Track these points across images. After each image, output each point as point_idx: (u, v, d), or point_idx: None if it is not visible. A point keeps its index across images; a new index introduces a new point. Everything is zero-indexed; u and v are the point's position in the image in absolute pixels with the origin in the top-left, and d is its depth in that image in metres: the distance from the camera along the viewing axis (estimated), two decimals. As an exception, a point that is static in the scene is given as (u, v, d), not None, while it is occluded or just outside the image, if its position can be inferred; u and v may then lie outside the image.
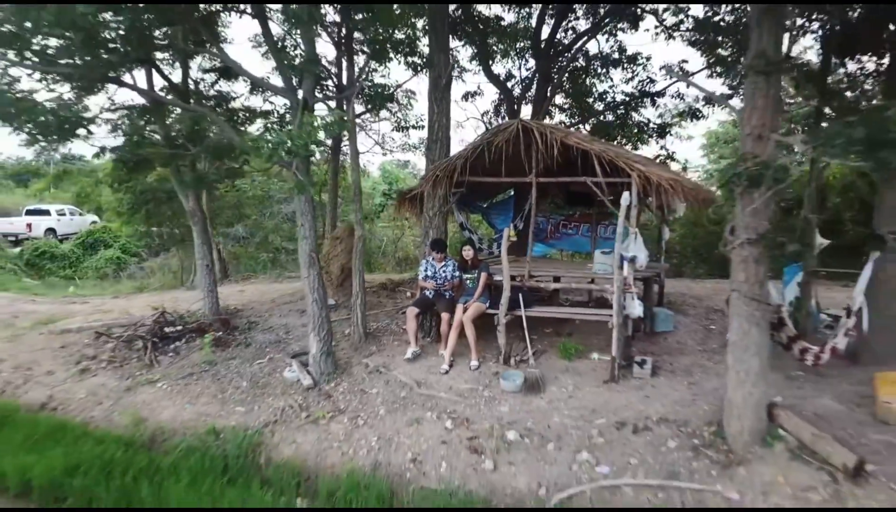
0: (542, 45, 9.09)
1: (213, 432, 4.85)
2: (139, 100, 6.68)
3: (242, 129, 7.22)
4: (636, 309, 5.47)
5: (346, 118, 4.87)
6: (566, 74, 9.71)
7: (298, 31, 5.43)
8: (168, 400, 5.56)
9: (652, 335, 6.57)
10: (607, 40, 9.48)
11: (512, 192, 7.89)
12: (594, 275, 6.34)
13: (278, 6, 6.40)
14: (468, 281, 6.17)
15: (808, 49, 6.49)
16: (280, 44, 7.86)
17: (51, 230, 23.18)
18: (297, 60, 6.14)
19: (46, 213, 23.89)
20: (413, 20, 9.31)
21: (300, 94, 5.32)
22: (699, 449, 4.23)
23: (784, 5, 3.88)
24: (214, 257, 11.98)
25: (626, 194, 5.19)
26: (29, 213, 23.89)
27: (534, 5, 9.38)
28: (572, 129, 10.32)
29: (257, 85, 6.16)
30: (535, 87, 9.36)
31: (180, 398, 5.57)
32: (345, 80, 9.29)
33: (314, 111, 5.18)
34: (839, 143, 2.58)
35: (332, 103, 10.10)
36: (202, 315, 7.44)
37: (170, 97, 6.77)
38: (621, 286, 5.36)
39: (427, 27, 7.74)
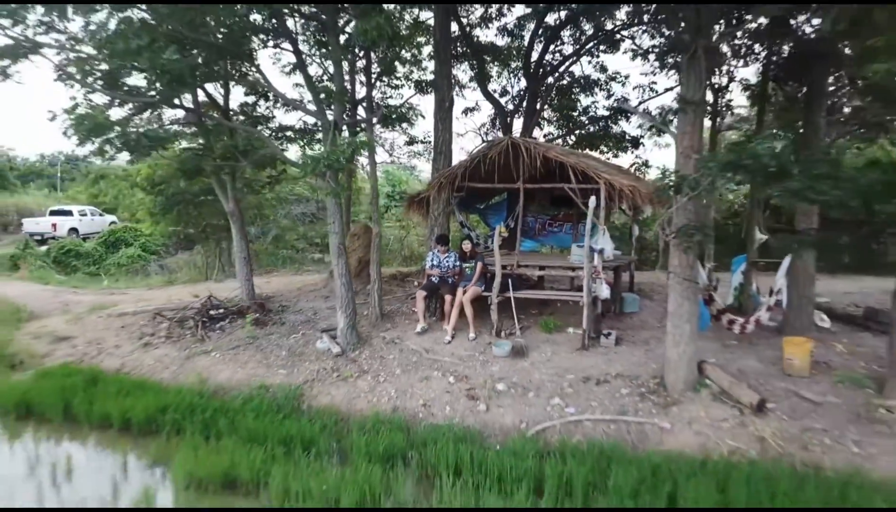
0: (532, 67, 10.32)
1: (263, 387, 6.04)
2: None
3: (280, 143, 8.46)
4: (604, 291, 6.67)
5: (369, 140, 6.10)
6: (553, 91, 10.95)
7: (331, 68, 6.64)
8: (222, 365, 6.76)
9: (620, 315, 7.79)
10: (590, 61, 10.73)
11: (505, 196, 9.10)
12: (572, 265, 7.55)
13: (317, 50, 7.57)
14: (467, 269, 7.37)
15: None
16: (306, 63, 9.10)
17: (73, 230, 24.31)
18: (324, 88, 7.34)
19: (69, 213, 25.04)
20: (419, 40, 10.60)
21: (330, 115, 6.54)
22: (645, 395, 5.44)
23: (706, 58, 5.08)
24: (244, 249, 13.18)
25: (592, 198, 6.39)
26: (53, 213, 25.08)
27: (526, 31, 10.61)
28: (559, 140, 11.61)
29: (295, 107, 7.32)
30: (525, 103, 10.60)
31: (232, 364, 6.77)
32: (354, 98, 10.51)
33: (342, 131, 6.40)
34: (712, 165, 3.76)
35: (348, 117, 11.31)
36: (240, 300, 8.64)
37: (232, 119, 7.99)
38: (590, 273, 6.57)
39: (432, 54, 8.97)
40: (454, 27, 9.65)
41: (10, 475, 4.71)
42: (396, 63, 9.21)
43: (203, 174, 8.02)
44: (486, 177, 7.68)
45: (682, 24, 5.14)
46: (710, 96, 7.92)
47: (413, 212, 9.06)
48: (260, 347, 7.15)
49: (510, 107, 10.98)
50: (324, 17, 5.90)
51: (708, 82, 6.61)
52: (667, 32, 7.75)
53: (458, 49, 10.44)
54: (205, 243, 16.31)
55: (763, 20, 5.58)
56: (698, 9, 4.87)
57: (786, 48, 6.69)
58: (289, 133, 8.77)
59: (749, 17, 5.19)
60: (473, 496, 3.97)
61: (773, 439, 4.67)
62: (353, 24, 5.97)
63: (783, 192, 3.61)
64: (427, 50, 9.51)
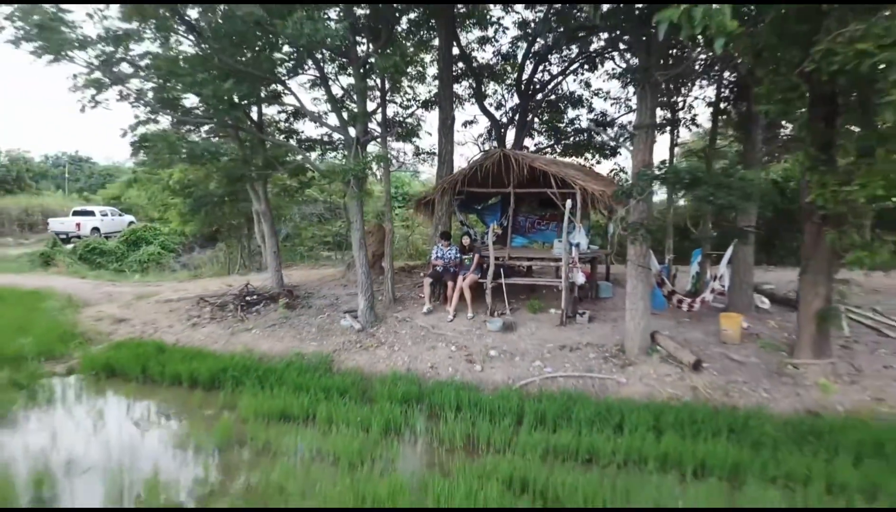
0: (524, 85, 11.62)
1: (299, 355, 7.31)
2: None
3: (309, 154, 9.76)
4: (579, 278, 7.96)
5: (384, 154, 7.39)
6: (543, 106, 12.25)
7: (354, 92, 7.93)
8: (262, 339, 8.04)
9: (596, 299, 9.09)
10: (575, 79, 12.04)
11: (499, 199, 10.37)
12: (553, 257, 8.83)
13: (344, 80, 8.86)
14: (466, 260, 8.65)
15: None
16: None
17: (95, 229, 25.50)
18: (345, 106, 8.63)
19: (91, 213, 26.25)
20: (424, 57, 11.87)
21: (352, 132, 7.83)
22: (608, 358, 6.72)
23: (657, 88, 6.37)
24: (261, 249, 14.44)
25: (569, 201, 7.68)
26: (76, 213, 26.31)
27: (518, 50, 11.90)
28: (548, 149, 12.92)
29: (322, 125, 8.59)
30: (518, 116, 11.89)
31: (270, 339, 8.05)
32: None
33: (364, 146, 7.69)
34: (646, 178, 5.04)
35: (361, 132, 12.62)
36: (271, 288, 9.93)
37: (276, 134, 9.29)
38: (568, 263, 7.86)
39: (436, 75, 10.27)
40: (455, 49, 10.97)
41: (113, 417, 5.97)
42: (404, 80, 10.53)
43: (242, 180, 9.28)
44: (482, 182, 8.98)
45: (637, 62, 6.43)
46: (672, 114, 9.22)
47: (420, 212, 10.37)
48: (292, 325, 8.44)
49: (504, 120, 12.31)
50: (350, 55, 7.20)
51: (669, 101, 7.90)
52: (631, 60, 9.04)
53: (459, 68, 11.75)
54: (227, 240, 17.60)
55: (702, 56, 6.86)
56: (647, 51, 6.16)
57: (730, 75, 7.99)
58: (309, 144, 10.07)
59: (685, 61, 6.47)
60: (469, 425, 5.25)
61: (704, 389, 5.96)
62: (373, 59, 7.28)
63: (694, 198, 4.88)
64: (431, 71, 10.80)
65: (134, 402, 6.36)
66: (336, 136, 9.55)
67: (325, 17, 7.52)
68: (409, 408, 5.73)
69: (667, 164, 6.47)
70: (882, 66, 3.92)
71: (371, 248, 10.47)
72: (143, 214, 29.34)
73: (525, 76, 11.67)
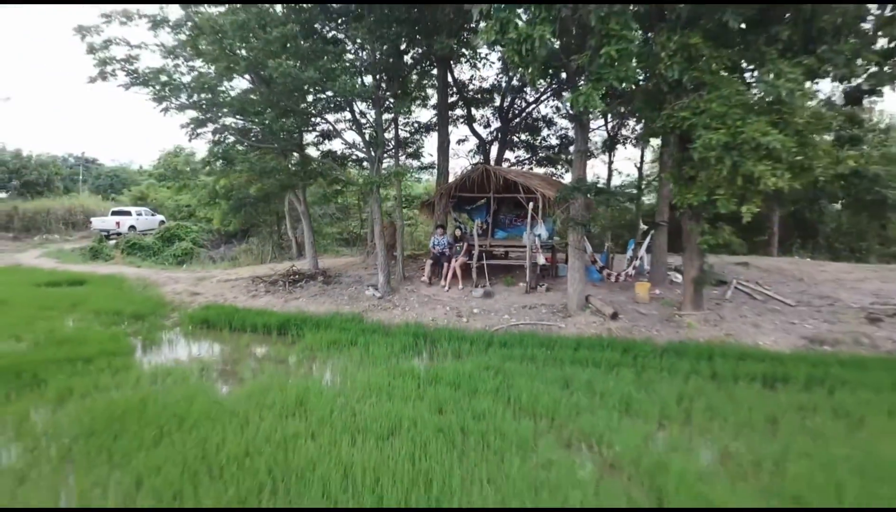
0: (504, 111, 14.30)
1: (338, 314, 9.96)
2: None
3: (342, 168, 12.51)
4: (540, 259, 10.65)
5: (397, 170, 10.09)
6: (521, 126, 14.94)
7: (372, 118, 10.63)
8: (309, 305, 10.69)
9: (556, 277, 11.79)
10: (546, 105, 14.76)
11: (484, 201, 13.04)
12: (523, 244, 11.50)
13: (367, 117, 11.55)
14: (457, 247, 11.34)
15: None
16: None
17: (132, 227, 28.10)
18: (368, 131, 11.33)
19: (128, 213, 28.82)
20: (426, 86, 14.52)
21: (373, 152, 10.49)
22: (555, 313, 9.40)
23: (587, 126, 9.05)
24: (293, 241, 17.14)
25: (531, 204, 10.37)
26: (114, 213, 28.89)
27: (502, 85, 14.57)
28: (526, 160, 15.61)
29: (352, 148, 11.28)
30: (500, 135, 14.54)
31: (314, 304, 10.71)
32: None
33: (382, 162, 10.36)
34: (568, 188, 7.72)
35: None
36: (309, 270, 12.59)
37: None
38: (531, 248, 10.54)
39: (435, 106, 12.93)
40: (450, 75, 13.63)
41: (222, 346, 8.61)
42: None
43: (291, 187, 11.94)
44: (470, 189, 11.68)
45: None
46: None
47: (423, 212, 13.06)
48: (329, 295, 11.11)
49: (489, 138, 15.01)
50: (374, 98, 9.90)
51: (607, 129, 10.63)
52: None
53: (453, 90, 14.42)
54: (259, 235, 20.27)
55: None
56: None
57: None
58: (339, 160, 12.78)
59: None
60: (457, 346, 7.91)
61: (616, 330, 8.64)
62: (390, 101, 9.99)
63: (601, 201, 7.51)
64: (431, 99, 13.49)
65: (232, 340, 9.02)
66: (359, 153, 12.28)
67: (356, 68, 10.22)
68: (418, 339, 8.41)
69: (604, 177, 9.17)
70: (694, 123, 6.63)
71: (385, 240, 13.15)
72: (167, 213, 32.01)
73: (506, 103, 14.37)
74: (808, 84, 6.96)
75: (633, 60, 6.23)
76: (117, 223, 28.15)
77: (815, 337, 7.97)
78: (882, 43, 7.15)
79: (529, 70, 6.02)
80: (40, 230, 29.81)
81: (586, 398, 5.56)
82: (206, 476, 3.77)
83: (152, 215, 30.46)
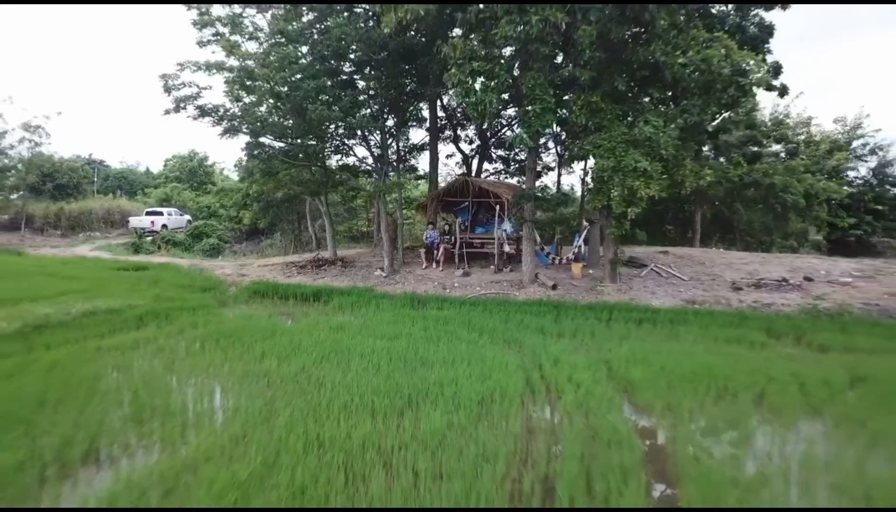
0: (483, 132, 17.48)
1: (354, 287, 13.13)
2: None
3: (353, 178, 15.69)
4: (506, 247, 13.83)
5: (398, 180, 13.28)
6: (497, 143, 18.12)
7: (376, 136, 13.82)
8: (332, 281, 13.83)
9: (519, 262, 14.94)
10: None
11: (466, 204, 16.21)
12: (494, 237, 14.67)
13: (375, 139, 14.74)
14: (445, 238, 14.52)
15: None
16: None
17: (164, 225, 31.08)
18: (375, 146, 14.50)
19: (161, 213, 31.79)
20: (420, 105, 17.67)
21: (379, 165, 13.67)
22: (513, 285, 12.57)
23: (536, 150, 12.23)
24: (312, 236, 20.33)
25: (498, 206, 13.54)
26: (149, 213, 31.89)
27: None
28: (502, 171, 18.80)
29: (363, 162, 14.46)
30: (480, 150, 17.71)
31: (336, 281, 13.86)
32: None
33: (387, 174, 13.55)
34: (517, 196, 10.87)
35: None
36: (330, 257, 15.75)
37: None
38: (500, 239, 13.72)
39: (427, 129, 16.12)
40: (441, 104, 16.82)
41: (272, 308, 11.73)
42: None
43: (312, 192, 15.10)
44: (454, 194, 14.87)
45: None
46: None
47: (419, 212, 16.24)
48: (347, 274, 14.27)
49: (472, 153, 18.22)
50: (380, 127, 13.09)
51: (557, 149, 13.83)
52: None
53: (442, 121, 17.62)
54: (282, 231, 23.43)
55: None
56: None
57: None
58: (351, 170, 16.04)
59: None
60: (442, 305, 11.06)
61: (553, 296, 11.80)
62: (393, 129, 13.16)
63: (537, 205, 10.67)
64: (425, 123, 16.71)
65: (280, 302, 12.15)
66: (368, 166, 15.53)
67: (367, 104, 13.39)
68: (413, 301, 11.57)
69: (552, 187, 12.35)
70: (595, 153, 9.81)
71: (389, 233, 16.35)
72: (189, 213, 35.07)
73: (485, 126, 17.56)
74: (672, 126, 10.15)
75: (551, 114, 9.38)
76: (152, 222, 31.07)
77: (690, 299, 11.17)
78: (726, 98, 10.37)
79: (485, 118, 9.18)
80: (84, 228, 32.89)
81: (515, 327, 8.74)
82: (297, 351, 6.90)
83: (181, 215, 33.42)
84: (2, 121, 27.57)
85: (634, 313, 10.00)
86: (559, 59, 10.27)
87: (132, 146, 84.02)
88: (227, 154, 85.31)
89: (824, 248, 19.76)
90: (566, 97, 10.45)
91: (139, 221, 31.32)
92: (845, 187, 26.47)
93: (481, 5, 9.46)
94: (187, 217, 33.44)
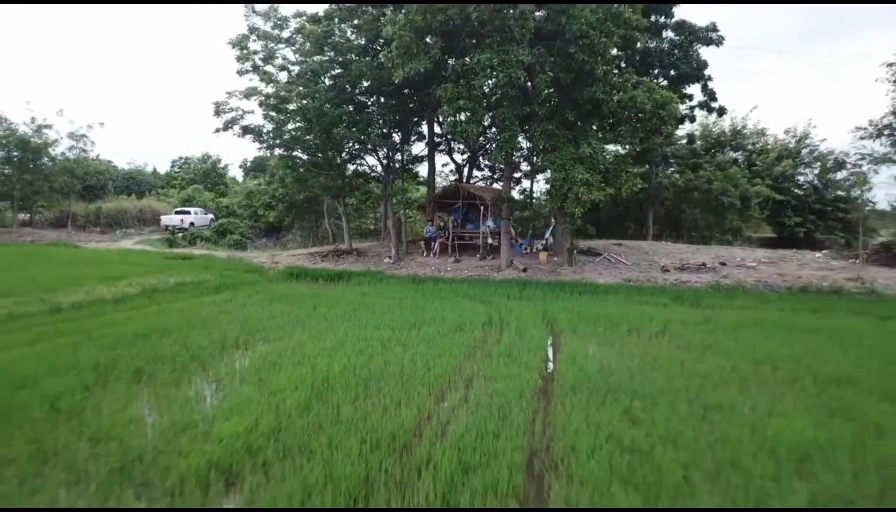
0: (473, 146, 20.57)
1: (368, 271, 16.21)
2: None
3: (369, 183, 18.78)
4: (490, 240, 16.94)
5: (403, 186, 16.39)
6: (484, 154, 21.24)
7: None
8: (351, 267, 16.92)
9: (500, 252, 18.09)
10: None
11: (459, 205, 19.29)
12: (481, 232, 17.77)
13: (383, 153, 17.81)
14: (441, 233, 17.62)
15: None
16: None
17: (192, 223, 34.00)
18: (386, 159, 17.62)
19: (188, 212, 34.71)
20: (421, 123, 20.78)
21: (387, 174, 16.75)
22: (493, 270, 15.68)
23: (512, 163, 15.35)
24: (329, 232, 23.46)
25: (482, 207, 16.63)
26: (177, 212, 34.83)
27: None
28: (490, 177, 21.91)
29: (374, 171, 17.53)
30: (471, 160, 20.81)
31: (353, 266, 16.93)
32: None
33: (394, 181, 16.64)
34: (497, 199, 13.93)
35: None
36: (346, 248, 18.83)
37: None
38: (485, 234, 16.82)
39: (427, 142, 19.22)
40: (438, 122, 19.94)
41: (307, 284, 14.81)
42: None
43: (333, 195, 18.19)
44: (448, 197, 17.98)
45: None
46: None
47: (420, 212, 19.35)
48: (361, 262, 17.36)
49: (464, 162, 21.31)
50: (388, 144, 16.19)
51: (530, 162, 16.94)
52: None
53: (438, 136, 20.70)
54: (302, 228, 26.52)
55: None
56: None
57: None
58: (365, 177, 19.13)
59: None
60: (437, 283, 14.13)
61: (523, 276, 14.92)
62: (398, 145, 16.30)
63: (512, 206, 13.74)
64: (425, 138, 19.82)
65: (310, 281, 15.23)
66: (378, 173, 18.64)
67: (377, 124, 16.49)
68: (415, 281, 14.65)
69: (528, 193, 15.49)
70: (550, 167, 12.92)
71: (395, 229, 19.48)
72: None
73: (469, 146, 20.68)
74: (611, 147, 13.26)
75: (516, 139, 12.45)
76: (181, 220, 34.00)
77: (628, 278, 14.28)
78: (650, 126, 13.48)
79: (469, 141, 12.31)
80: (120, 226, 35.92)
81: (489, 295, 11.84)
82: (338, 304, 9.97)
83: (205, 214, 36.39)
84: (53, 131, 30.49)
85: (580, 287, 13.09)
86: (523, 98, 13.36)
87: (132, 146, 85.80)
88: (222, 152, 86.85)
89: (754, 242, 22.87)
90: (527, 127, 13.55)
91: (170, 220, 34.23)
92: (796, 190, 29.68)
93: (467, 58, 12.55)
94: (210, 216, 36.44)
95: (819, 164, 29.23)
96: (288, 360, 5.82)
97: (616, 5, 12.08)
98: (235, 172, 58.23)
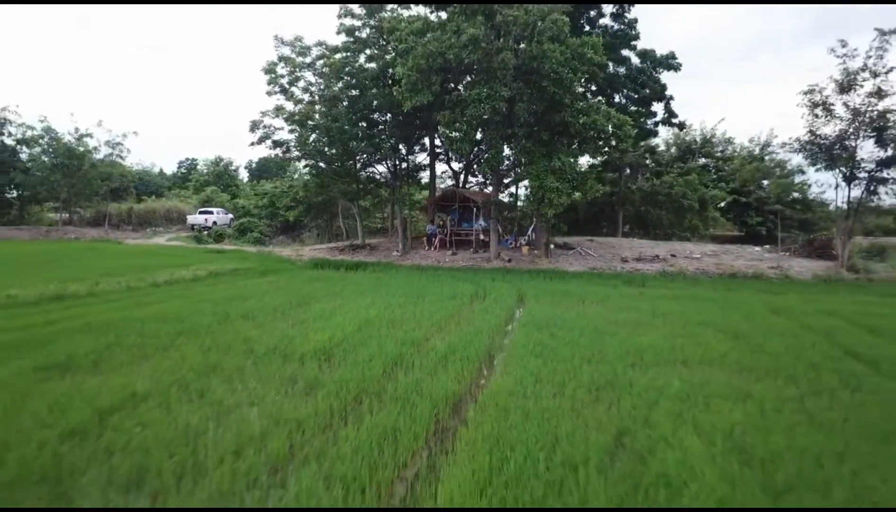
0: (469, 156, 23.33)
1: (379, 262, 18.97)
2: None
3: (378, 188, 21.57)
4: (482, 237, 19.71)
5: (408, 192, 19.17)
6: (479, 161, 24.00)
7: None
8: (365, 259, 19.70)
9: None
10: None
11: (456, 207, 22.03)
12: (474, 230, 20.54)
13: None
14: (440, 230, 20.40)
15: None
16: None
17: (214, 222, 36.68)
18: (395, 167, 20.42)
19: (211, 212, 37.41)
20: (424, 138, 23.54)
21: (394, 180, 19.52)
22: (483, 260, 18.45)
23: (498, 173, 18.15)
24: (343, 230, 26.27)
25: (475, 209, 19.39)
26: (202, 212, 37.52)
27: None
28: (484, 182, 24.69)
29: (383, 177, 20.28)
30: (466, 168, 23.57)
31: (367, 258, 19.71)
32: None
33: (401, 186, 19.42)
34: (488, 201, 16.66)
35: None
36: (360, 243, 21.58)
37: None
38: (477, 231, 19.60)
39: (428, 154, 21.98)
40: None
41: (333, 271, 17.56)
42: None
43: (350, 198, 20.96)
44: (447, 200, 20.77)
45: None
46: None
47: (422, 212, 22.13)
48: (373, 254, 20.11)
49: (460, 170, 24.08)
50: (396, 155, 18.95)
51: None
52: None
53: (438, 148, 23.46)
54: (318, 226, 29.29)
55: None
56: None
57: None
58: (375, 182, 21.88)
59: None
60: (437, 271, 16.90)
61: (508, 266, 17.69)
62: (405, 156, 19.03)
63: (496, 208, 16.56)
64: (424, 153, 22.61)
65: (334, 270, 17.99)
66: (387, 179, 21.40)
67: (387, 138, 19.26)
68: (420, 269, 17.41)
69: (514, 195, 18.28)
70: (528, 177, 15.73)
71: (402, 226, 22.27)
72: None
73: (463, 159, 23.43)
74: (583, 160, 16.03)
75: (500, 155, 15.23)
76: (205, 219, 36.67)
77: (592, 267, 17.05)
78: (610, 143, 16.25)
79: (463, 156, 15.12)
80: (150, 224, 38.66)
81: (478, 279, 14.63)
82: (362, 283, 12.74)
83: (226, 213, 39.08)
84: (94, 140, 33.25)
85: (552, 274, 15.87)
86: (506, 122, 16.14)
87: (133, 146, 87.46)
88: (222, 152, 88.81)
89: (706, 238, 25.69)
90: (510, 144, 16.33)
91: (195, 219, 36.89)
92: (760, 192, 32.48)
93: (461, 86, 15.31)
94: (231, 216, 39.14)
95: (779, 169, 32.04)
96: (338, 311, 8.58)
97: (581, 47, 14.83)
98: (240, 173, 61.08)
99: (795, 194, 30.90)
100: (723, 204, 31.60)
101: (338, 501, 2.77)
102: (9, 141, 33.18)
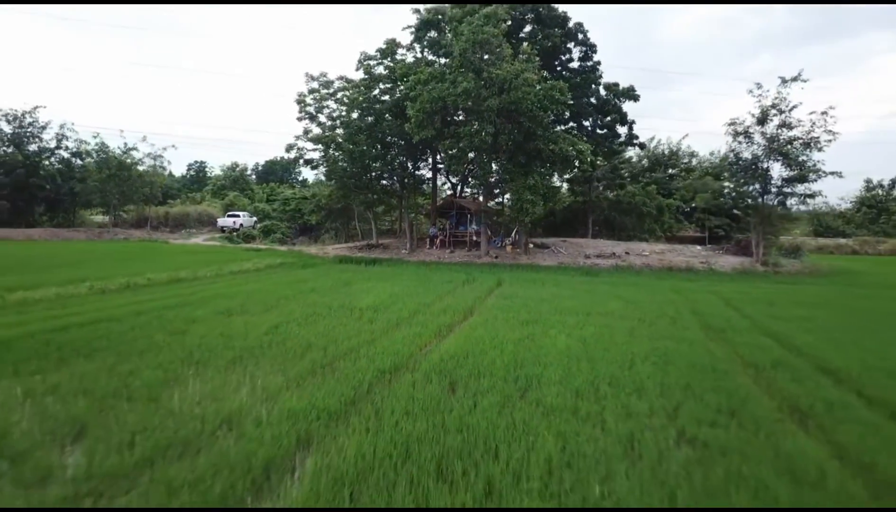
0: (464, 172, 27.01)
1: (390, 258, 22.65)
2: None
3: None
4: (474, 238, 23.42)
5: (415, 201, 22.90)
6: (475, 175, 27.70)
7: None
8: (379, 256, 23.40)
9: (489, 247, 24.59)
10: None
11: (455, 213, 25.70)
12: (469, 232, 24.25)
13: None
14: (440, 232, 24.11)
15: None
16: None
17: (241, 224, 40.31)
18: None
19: (238, 215, 41.03)
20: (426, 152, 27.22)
21: (403, 191, 23.22)
22: (476, 257, 22.15)
23: (489, 185, 21.89)
24: (358, 231, 30.00)
25: (469, 215, 23.09)
26: (230, 215, 41.15)
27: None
28: (478, 191, 28.42)
29: (394, 187, 23.94)
30: (462, 181, 27.26)
31: (380, 255, 23.41)
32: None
33: (409, 195, 23.14)
34: (481, 210, 20.31)
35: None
36: (374, 243, 25.25)
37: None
38: (471, 233, 23.31)
39: (430, 169, 25.65)
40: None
41: (355, 266, 21.25)
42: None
43: (367, 206, 24.66)
44: (446, 207, 24.49)
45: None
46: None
47: (426, 217, 25.84)
48: (387, 252, 23.77)
49: (458, 183, 27.78)
50: (405, 171, 22.67)
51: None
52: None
53: (439, 163, 27.15)
54: (335, 228, 32.99)
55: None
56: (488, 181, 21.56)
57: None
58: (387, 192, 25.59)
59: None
60: (440, 266, 20.60)
61: (495, 261, 21.42)
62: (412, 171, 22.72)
63: (485, 214, 20.20)
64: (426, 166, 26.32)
65: (356, 264, 21.65)
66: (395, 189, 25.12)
67: (395, 156, 22.98)
68: (425, 264, 21.09)
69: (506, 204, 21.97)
70: (509, 191, 19.48)
71: (409, 229, 26.00)
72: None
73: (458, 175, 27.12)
74: (555, 177, 19.77)
75: (487, 174, 18.96)
76: (233, 222, 40.25)
77: (561, 262, 20.74)
78: (574, 165, 20.00)
79: (457, 173, 18.89)
80: (184, 226, 42.32)
81: (471, 271, 18.34)
82: (383, 272, 16.43)
83: (250, 216, 42.72)
84: (138, 152, 36.96)
85: (528, 267, 19.57)
86: (492, 148, 19.88)
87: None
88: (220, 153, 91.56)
89: (662, 239, 29.46)
90: (495, 166, 20.06)
91: (224, 221, 40.46)
92: (721, 198, 36.18)
93: (458, 119, 19.06)
94: (254, 218, 42.78)
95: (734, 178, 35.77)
96: (371, 290, 12.27)
97: (551, 90, 18.55)
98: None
99: (749, 201, 34.55)
100: (688, 209, 35.33)
101: (388, 356, 6.46)
102: (65, 154, 36.91)
